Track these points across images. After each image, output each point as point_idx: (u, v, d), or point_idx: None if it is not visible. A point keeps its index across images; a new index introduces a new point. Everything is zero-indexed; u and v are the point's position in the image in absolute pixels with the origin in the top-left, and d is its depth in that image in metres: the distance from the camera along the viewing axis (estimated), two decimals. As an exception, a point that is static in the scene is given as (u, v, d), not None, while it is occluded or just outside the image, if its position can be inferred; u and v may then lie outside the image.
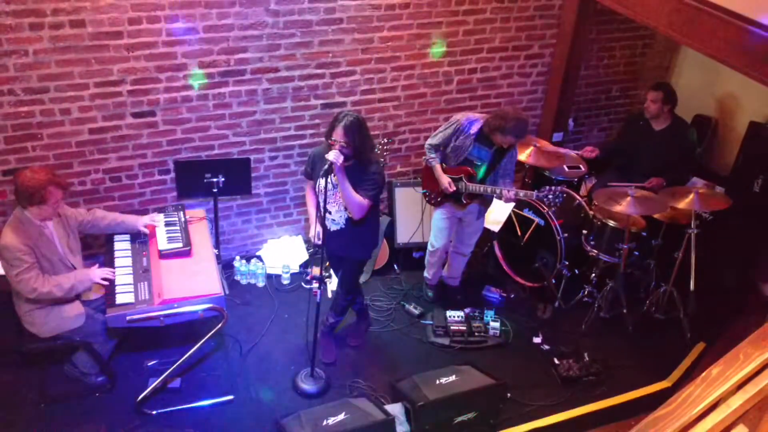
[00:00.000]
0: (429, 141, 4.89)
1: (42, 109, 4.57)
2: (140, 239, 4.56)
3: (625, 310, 5.17)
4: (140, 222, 4.55)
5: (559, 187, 4.61)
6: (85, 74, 4.56)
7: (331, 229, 4.34)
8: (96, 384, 4.42)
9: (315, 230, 4.37)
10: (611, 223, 5.17)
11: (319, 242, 4.30)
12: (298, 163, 5.54)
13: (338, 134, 3.96)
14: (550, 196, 4.59)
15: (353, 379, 4.69)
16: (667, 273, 5.25)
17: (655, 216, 5.15)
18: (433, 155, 4.85)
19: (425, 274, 5.49)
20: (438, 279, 5.51)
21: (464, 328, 5.11)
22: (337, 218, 4.29)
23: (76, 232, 4.31)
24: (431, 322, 5.21)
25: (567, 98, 6.09)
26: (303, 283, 5.59)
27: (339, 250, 4.50)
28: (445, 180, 4.76)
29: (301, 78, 5.18)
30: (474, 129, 4.69)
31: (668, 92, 5.48)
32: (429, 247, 5.26)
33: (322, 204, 4.11)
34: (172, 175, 5.14)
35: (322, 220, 4.23)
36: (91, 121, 4.74)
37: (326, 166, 3.91)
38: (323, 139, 4.37)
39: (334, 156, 3.92)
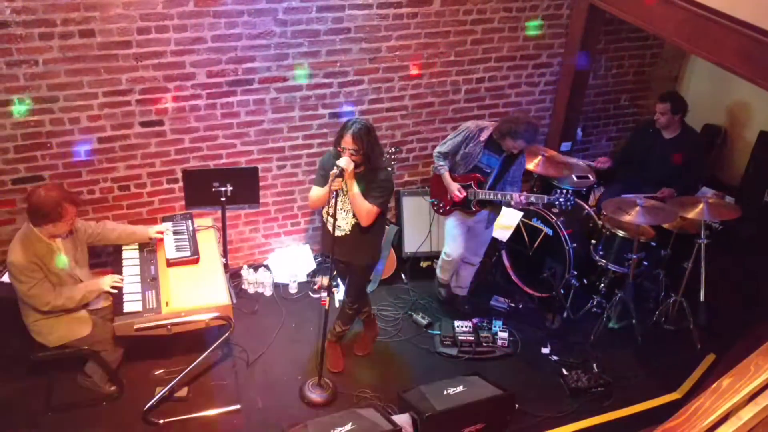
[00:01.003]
0: (438, 149, 4.88)
1: (51, 119, 4.60)
2: (148, 248, 4.57)
3: (634, 321, 5.13)
4: (151, 230, 4.57)
5: (570, 190, 4.59)
6: (94, 83, 4.59)
7: (336, 235, 4.34)
8: (108, 393, 4.43)
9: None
10: (620, 232, 5.15)
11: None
12: (306, 172, 5.54)
13: (347, 141, 3.97)
14: (561, 200, 4.58)
15: (360, 389, 4.67)
16: (676, 283, 5.21)
17: (665, 226, 5.12)
18: (441, 163, 4.84)
19: (439, 274, 5.40)
20: (451, 280, 5.43)
21: (472, 338, 5.09)
22: (342, 225, 4.29)
23: (85, 244, 4.32)
24: (439, 332, 5.19)
25: (575, 108, 6.08)
26: (310, 293, 5.58)
27: (343, 255, 4.49)
28: (454, 187, 4.75)
29: (309, 87, 5.19)
30: (484, 136, 4.69)
31: (676, 102, 5.45)
32: (443, 257, 5.18)
33: (331, 210, 4.11)
34: (180, 184, 5.15)
35: (330, 226, 4.24)
36: (99, 130, 4.77)
37: (337, 172, 3.91)
38: (330, 148, 4.37)
39: (345, 162, 3.93)
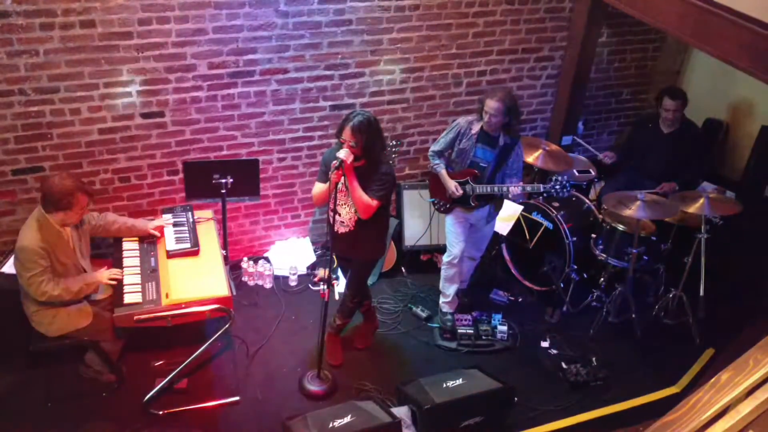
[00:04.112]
0: (432, 148, 4.87)
1: (52, 109, 4.59)
2: (148, 239, 4.57)
3: (633, 315, 5.13)
4: (150, 225, 4.56)
5: (565, 177, 4.58)
6: (95, 74, 4.58)
7: (340, 232, 4.33)
8: (108, 381, 4.44)
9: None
10: (620, 227, 5.14)
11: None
12: (307, 164, 5.53)
13: (347, 134, 3.97)
14: (557, 187, 4.56)
15: (360, 382, 4.67)
16: (676, 278, 5.21)
17: (666, 219, 5.11)
18: (437, 161, 4.83)
19: (442, 302, 5.25)
20: (456, 304, 5.30)
21: (471, 331, 5.09)
22: (346, 220, 4.29)
23: (88, 235, 4.33)
24: (438, 325, 5.19)
25: (577, 101, 6.06)
26: (310, 285, 5.58)
27: (347, 251, 4.49)
28: (452, 185, 4.73)
29: (310, 79, 5.18)
30: (475, 129, 4.67)
31: (686, 98, 5.45)
32: (446, 257, 5.08)
33: (332, 204, 4.11)
34: (181, 175, 5.14)
35: (330, 220, 4.26)
36: (100, 122, 4.76)
37: (337, 164, 3.90)
38: (331, 141, 4.36)
39: (344, 154, 3.92)
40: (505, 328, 5.14)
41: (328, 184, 4.04)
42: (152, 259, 4.40)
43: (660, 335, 5.21)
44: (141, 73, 4.69)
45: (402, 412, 4.19)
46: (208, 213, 4.95)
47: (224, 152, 5.22)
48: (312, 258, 5.76)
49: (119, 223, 4.50)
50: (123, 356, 4.51)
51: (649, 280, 5.47)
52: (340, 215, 4.28)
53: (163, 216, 4.74)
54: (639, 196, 4.82)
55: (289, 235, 5.88)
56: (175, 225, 4.66)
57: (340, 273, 5.19)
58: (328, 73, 5.21)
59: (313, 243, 5.88)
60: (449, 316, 5.18)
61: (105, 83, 4.63)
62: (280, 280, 5.61)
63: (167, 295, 4.10)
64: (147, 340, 4.57)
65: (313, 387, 4.55)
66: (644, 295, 5.46)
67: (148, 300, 4.08)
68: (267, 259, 5.70)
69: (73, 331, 4.13)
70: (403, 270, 5.84)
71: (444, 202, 4.94)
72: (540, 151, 5.50)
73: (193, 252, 4.47)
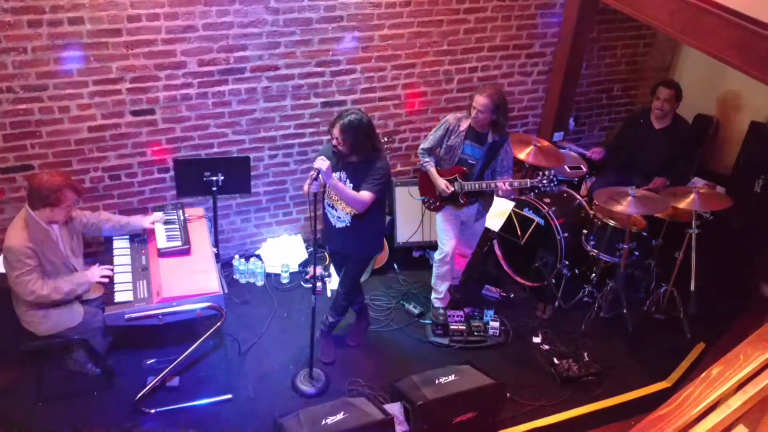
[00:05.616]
0: (422, 146, 4.87)
1: (41, 107, 4.56)
2: (139, 238, 4.55)
3: (625, 310, 5.15)
4: (146, 221, 4.55)
5: (553, 172, 4.59)
6: (84, 72, 4.55)
7: (337, 227, 4.34)
8: (94, 374, 4.42)
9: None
10: (612, 222, 5.16)
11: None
12: (298, 161, 5.52)
13: (336, 130, 3.98)
14: (545, 181, 4.57)
15: (352, 379, 4.68)
16: (667, 273, 5.24)
17: (657, 214, 5.13)
18: (426, 159, 4.83)
19: (434, 298, 5.25)
20: (448, 300, 5.32)
21: (464, 327, 5.10)
22: (342, 216, 4.28)
23: (80, 234, 4.31)
24: (431, 322, 5.20)
25: (568, 97, 6.08)
26: (302, 282, 5.57)
27: (344, 247, 4.49)
28: (441, 182, 4.73)
29: (301, 76, 5.17)
30: (463, 126, 4.67)
31: (679, 90, 5.48)
32: (437, 255, 5.07)
33: (324, 201, 4.10)
34: (172, 173, 5.13)
35: (332, 217, 4.29)
36: (90, 119, 4.73)
37: (315, 175, 3.87)
38: (323, 137, 4.35)
39: (320, 164, 3.90)
40: (497, 324, 5.15)
41: (307, 188, 3.92)
42: (143, 257, 4.39)
43: (651, 330, 5.23)
44: (131, 70, 4.66)
45: (394, 408, 4.19)
46: (199, 210, 4.94)
47: (215, 149, 5.21)
48: (304, 255, 5.75)
49: (113, 221, 4.48)
50: (114, 354, 4.49)
51: (641, 275, 5.49)
52: (336, 210, 4.28)
53: (155, 213, 4.72)
54: (630, 191, 4.84)
55: (281, 232, 5.87)
56: (166, 223, 4.65)
57: (332, 270, 5.19)
58: (319, 69, 5.20)
59: (306, 240, 5.88)
60: (441, 312, 5.19)
61: (94, 81, 4.61)
62: (271, 278, 5.60)
63: (158, 293, 4.09)
64: (138, 339, 4.55)
65: (305, 385, 4.54)
66: (635, 290, 5.49)
67: (139, 298, 4.07)
68: (258, 257, 5.69)
69: (64, 329, 4.12)
70: (396, 267, 5.84)
71: (434, 200, 4.94)
72: (531, 147, 5.51)
73: (184, 250, 4.45)
